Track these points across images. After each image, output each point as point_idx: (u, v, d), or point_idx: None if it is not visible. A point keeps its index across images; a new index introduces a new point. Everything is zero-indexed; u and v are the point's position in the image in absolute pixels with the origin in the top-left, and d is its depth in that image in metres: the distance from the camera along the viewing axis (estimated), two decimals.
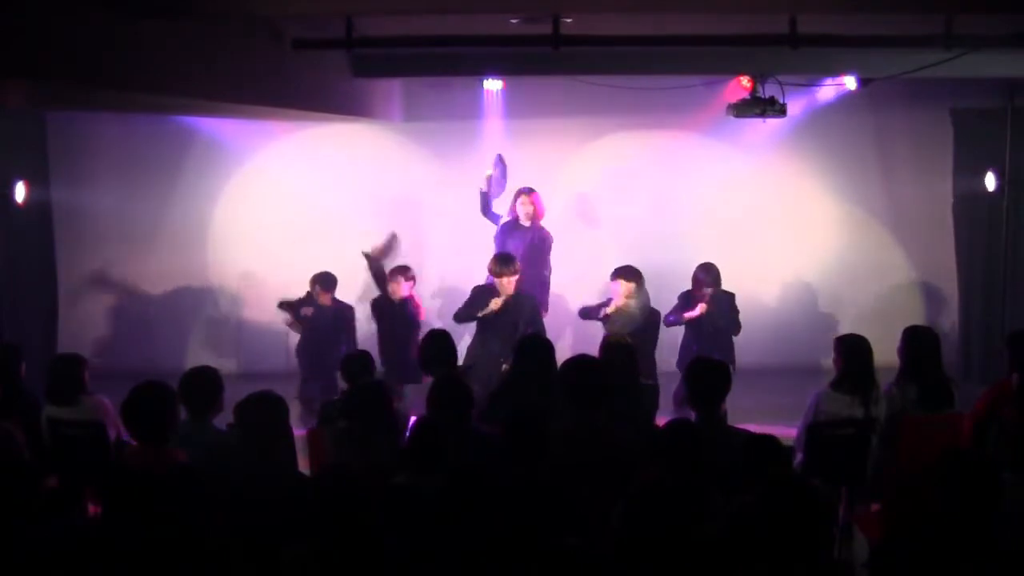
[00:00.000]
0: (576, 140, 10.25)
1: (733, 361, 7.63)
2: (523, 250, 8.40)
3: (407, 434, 4.93)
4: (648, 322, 7.53)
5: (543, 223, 8.69)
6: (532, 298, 7.78)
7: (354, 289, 9.01)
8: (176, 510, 3.86)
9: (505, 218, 8.74)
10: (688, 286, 7.97)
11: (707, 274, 7.80)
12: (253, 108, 7.62)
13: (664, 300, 8.60)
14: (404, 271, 8.00)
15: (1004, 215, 9.54)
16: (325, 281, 8.25)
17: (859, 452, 5.51)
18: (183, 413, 5.00)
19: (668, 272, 9.00)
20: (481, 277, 8.14)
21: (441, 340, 6.00)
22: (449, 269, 10.15)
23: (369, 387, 5.25)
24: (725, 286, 8.09)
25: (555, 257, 8.82)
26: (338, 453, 5.11)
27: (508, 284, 7.49)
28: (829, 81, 8.93)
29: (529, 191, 8.63)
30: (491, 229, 8.83)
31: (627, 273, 7.63)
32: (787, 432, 5.70)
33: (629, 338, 6.26)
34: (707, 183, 10.24)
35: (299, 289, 8.79)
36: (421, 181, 10.29)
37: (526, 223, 8.59)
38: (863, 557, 5.27)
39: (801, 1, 6.24)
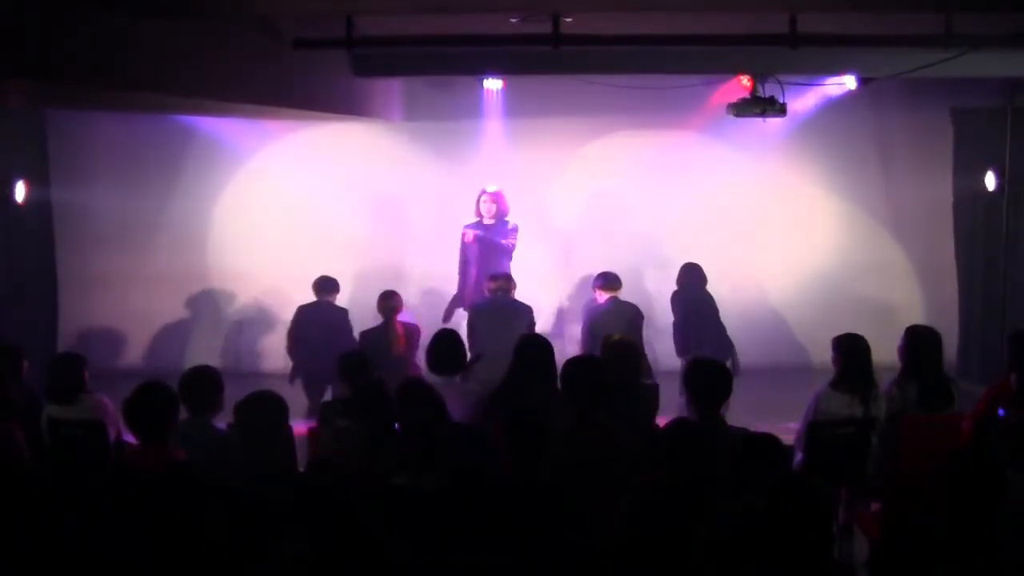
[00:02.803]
0: (576, 139, 10.25)
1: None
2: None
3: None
4: (631, 325, 7.56)
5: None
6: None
7: (347, 289, 9.04)
8: (176, 509, 3.86)
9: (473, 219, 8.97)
10: None
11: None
12: (253, 108, 7.62)
13: (664, 299, 8.62)
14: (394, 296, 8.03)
15: (1004, 214, 9.53)
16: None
17: (859, 452, 5.51)
18: (183, 413, 5.01)
19: (667, 271, 9.02)
20: None
21: (450, 340, 5.99)
22: (449, 268, 10.15)
23: (370, 387, 5.25)
24: (726, 285, 8.08)
25: (555, 257, 8.83)
26: (337, 452, 5.11)
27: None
28: (829, 80, 8.92)
29: (493, 191, 8.86)
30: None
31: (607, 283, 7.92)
32: (787, 432, 5.70)
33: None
34: (707, 182, 10.24)
35: (298, 288, 8.82)
36: (421, 180, 10.29)
37: (490, 221, 8.84)
38: (863, 557, 5.27)
39: (801, 1, 6.24)
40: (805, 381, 6.22)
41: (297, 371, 8.42)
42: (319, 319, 8.34)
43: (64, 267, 10.10)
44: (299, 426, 5.34)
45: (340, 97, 8.44)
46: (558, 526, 3.95)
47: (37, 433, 5.58)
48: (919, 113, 9.91)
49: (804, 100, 9.41)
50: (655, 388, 6.17)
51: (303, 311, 8.49)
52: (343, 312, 8.44)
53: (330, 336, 8.13)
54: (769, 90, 7.99)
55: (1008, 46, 7.15)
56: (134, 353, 9.88)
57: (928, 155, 10.03)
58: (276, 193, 10.28)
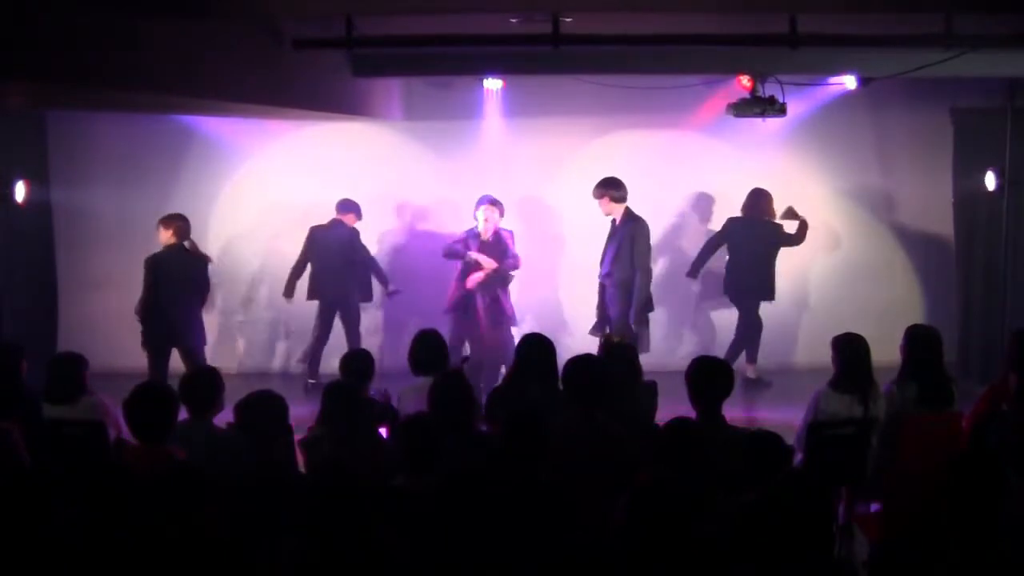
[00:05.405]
0: (576, 139, 10.24)
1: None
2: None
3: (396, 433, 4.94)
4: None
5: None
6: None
7: None
8: (176, 509, 3.85)
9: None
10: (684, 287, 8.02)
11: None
12: (253, 107, 7.62)
13: (664, 298, 8.63)
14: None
15: (1004, 215, 9.52)
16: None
17: (859, 451, 5.51)
18: (183, 413, 5.01)
19: (668, 269, 9.03)
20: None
21: (432, 341, 5.98)
22: (449, 266, 10.14)
23: (335, 389, 5.19)
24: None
25: (555, 257, 8.84)
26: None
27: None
28: (829, 81, 8.92)
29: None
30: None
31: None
32: (787, 432, 5.70)
33: None
34: (707, 182, 10.24)
35: (297, 287, 8.83)
36: (421, 180, 10.29)
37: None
38: (863, 557, 5.27)
39: (801, 1, 6.24)
40: (805, 381, 6.22)
41: (312, 290, 9.35)
42: (329, 237, 9.19)
43: (64, 267, 10.10)
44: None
45: (340, 97, 8.44)
46: (558, 526, 3.95)
47: (36, 433, 5.58)
48: (919, 113, 9.91)
49: (804, 100, 9.40)
50: (654, 386, 6.17)
51: (315, 231, 9.32)
52: (354, 231, 9.25)
53: (341, 254, 9.15)
54: (769, 90, 7.99)
55: (1008, 46, 7.14)
56: (134, 353, 9.84)
57: (928, 155, 10.03)
58: (275, 193, 10.28)
